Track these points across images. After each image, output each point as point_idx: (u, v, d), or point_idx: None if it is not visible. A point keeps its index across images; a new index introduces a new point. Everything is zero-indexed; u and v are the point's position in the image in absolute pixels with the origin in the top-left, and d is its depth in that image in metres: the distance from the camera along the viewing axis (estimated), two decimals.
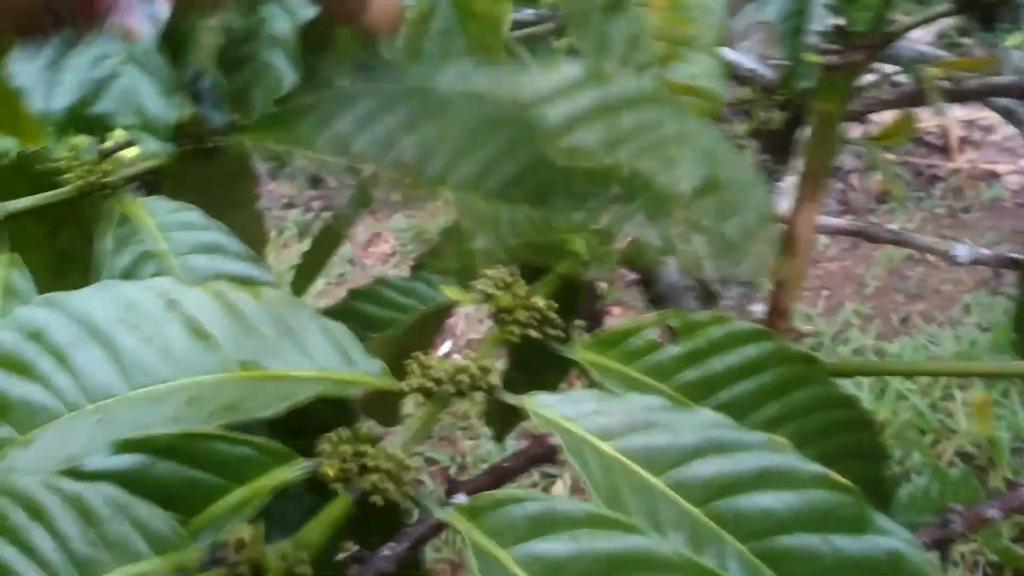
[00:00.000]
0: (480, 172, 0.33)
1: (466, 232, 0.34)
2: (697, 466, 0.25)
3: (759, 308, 0.64)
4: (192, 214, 0.36)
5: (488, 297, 0.31)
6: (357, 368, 0.27)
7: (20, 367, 0.28)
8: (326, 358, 0.27)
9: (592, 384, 0.32)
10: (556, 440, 0.26)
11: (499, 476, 0.39)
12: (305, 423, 0.26)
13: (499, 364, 0.32)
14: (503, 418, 0.47)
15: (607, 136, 0.38)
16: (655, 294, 0.62)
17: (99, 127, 0.40)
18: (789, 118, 0.63)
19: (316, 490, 0.25)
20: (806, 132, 0.64)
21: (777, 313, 0.55)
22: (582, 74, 0.39)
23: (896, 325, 1.79)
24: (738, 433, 0.26)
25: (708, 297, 0.61)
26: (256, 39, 0.41)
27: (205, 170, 0.45)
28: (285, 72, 0.40)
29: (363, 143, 0.34)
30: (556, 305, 0.32)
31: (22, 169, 0.44)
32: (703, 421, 0.26)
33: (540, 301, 0.32)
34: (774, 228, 0.37)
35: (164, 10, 0.35)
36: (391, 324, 0.33)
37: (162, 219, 0.36)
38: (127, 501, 0.22)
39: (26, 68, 0.40)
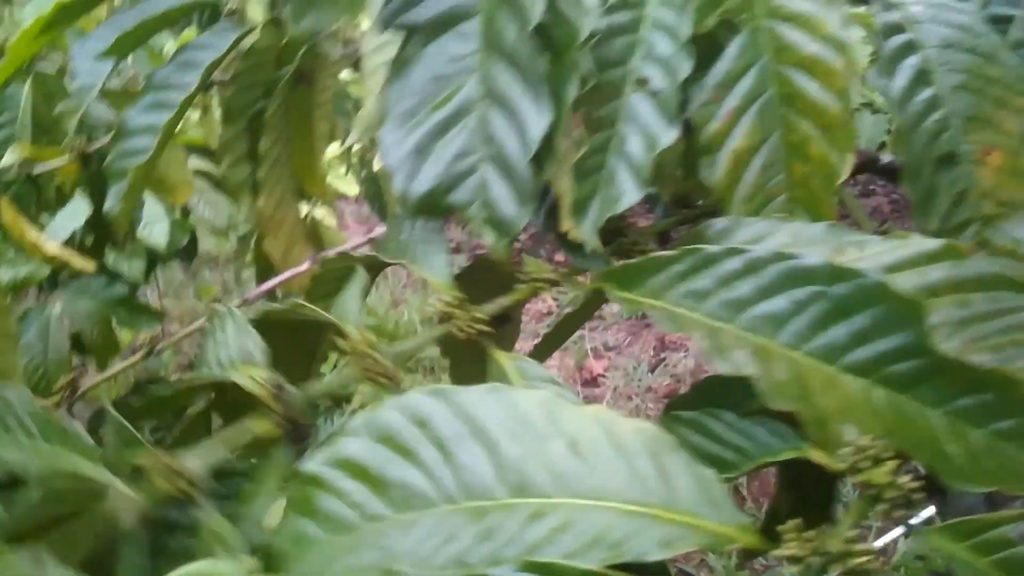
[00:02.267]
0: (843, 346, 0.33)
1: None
2: None
3: None
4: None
5: None
6: (729, 522, 0.27)
7: (403, 450, 0.30)
8: (697, 506, 0.28)
9: None
10: None
11: None
12: None
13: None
14: None
15: (958, 315, 0.37)
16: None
17: (449, 212, 0.43)
18: None
19: None
20: None
21: None
22: (936, 247, 0.39)
23: None
24: None
25: None
26: (607, 151, 0.43)
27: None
28: (628, 189, 0.42)
29: (716, 304, 0.35)
30: None
31: None
32: None
33: None
34: None
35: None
36: (724, 466, 0.33)
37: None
38: None
39: (396, 151, 0.43)
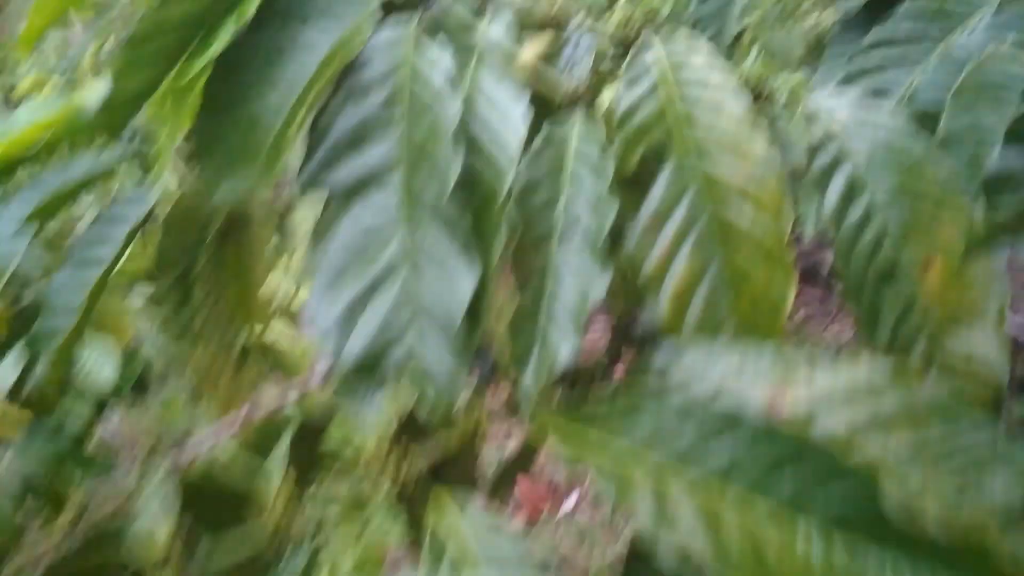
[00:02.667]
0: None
1: None
2: None
3: None
4: None
5: None
6: None
7: None
8: None
9: None
10: None
11: None
12: None
13: None
14: None
15: (913, 450, 0.36)
16: None
17: (382, 378, 0.41)
18: None
19: None
20: None
21: None
22: (886, 373, 0.38)
23: None
24: None
25: None
26: (540, 302, 0.42)
27: None
28: (565, 340, 0.41)
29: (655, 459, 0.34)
30: None
31: None
32: None
33: None
34: None
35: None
36: None
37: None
38: None
39: (324, 318, 0.42)
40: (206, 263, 0.56)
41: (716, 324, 0.44)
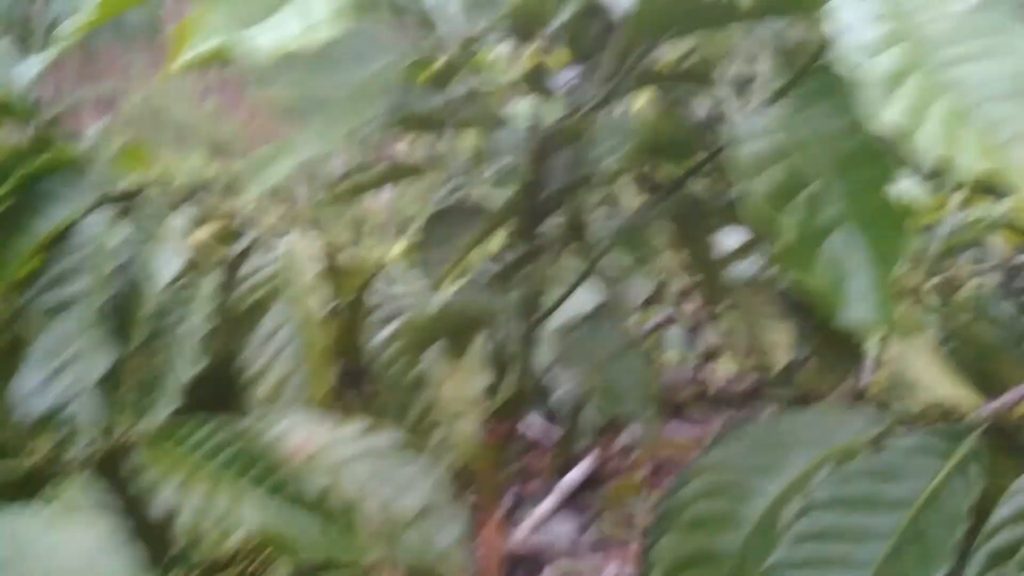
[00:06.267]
0: None
1: None
2: None
3: None
4: None
5: None
6: None
7: None
8: None
9: None
10: None
11: None
12: None
13: None
14: None
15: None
16: None
17: None
18: None
19: None
20: None
21: None
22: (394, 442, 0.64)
23: None
24: None
25: None
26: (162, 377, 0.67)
27: None
28: (186, 366, 0.66)
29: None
30: None
31: None
32: None
33: None
34: None
35: None
36: None
37: None
38: None
39: (26, 384, 0.65)
40: None
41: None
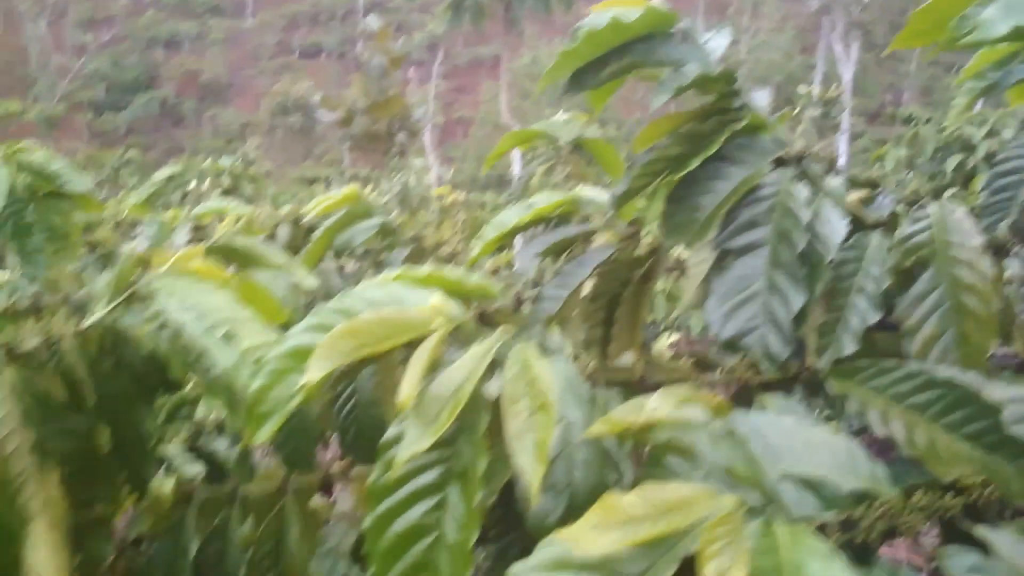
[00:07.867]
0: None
1: None
2: None
3: None
4: None
5: None
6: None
7: None
8: None
9: None
10: None
11: None
12: None
13: None
14: None
15: None
16: None
17: (741, 350, 0.76)
18: None
19: None
20: None
21: None
22: None
23: None
24: None
25: None
26: (837, 323, 0.75)
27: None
28: (847, 342, 0.73)
29: (889, 395, 0.65)
30: None
31: None
32: None
33: None
34: None
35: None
36: None
37: None
38: None
39: (715, 313, 0.78)
40: (628, 294, 0.96)
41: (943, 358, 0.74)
